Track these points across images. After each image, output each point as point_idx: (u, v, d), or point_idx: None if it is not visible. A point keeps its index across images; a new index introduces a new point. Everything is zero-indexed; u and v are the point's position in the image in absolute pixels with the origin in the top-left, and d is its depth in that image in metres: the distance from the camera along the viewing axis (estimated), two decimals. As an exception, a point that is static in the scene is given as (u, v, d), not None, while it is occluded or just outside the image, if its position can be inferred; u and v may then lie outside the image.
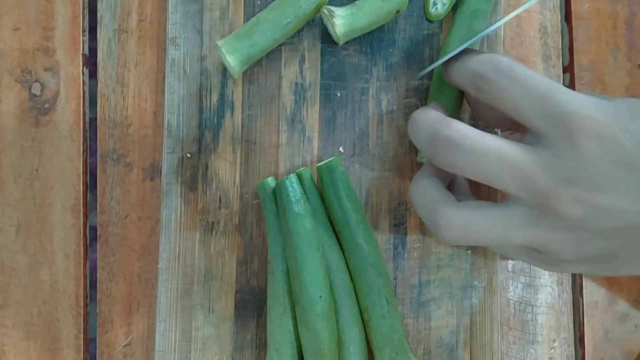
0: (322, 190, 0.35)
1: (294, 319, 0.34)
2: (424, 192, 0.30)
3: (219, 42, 0.34)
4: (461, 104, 0.36)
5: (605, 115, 0.25)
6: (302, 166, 0.36)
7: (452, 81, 0.32)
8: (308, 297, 0.32)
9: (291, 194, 0.33)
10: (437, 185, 0.30)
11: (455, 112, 0.36)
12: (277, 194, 0.34)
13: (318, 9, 0.34)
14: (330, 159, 0.34)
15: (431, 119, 0.29)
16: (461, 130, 0.27)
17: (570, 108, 0.26)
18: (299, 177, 0.34)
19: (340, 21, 0.34)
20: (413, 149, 0.37)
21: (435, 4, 0.37)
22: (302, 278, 0.32)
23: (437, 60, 0.33)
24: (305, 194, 0.34)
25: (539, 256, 0.29)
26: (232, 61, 0.33)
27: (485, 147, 0.27)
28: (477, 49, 0.36)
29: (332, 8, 0.34)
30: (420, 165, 0.37)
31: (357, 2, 0.35)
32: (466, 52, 0.31)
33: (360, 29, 0.35)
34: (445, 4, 0.37)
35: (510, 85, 0.27)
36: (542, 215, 0.26)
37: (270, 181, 0.34)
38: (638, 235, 0.26)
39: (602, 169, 0.25)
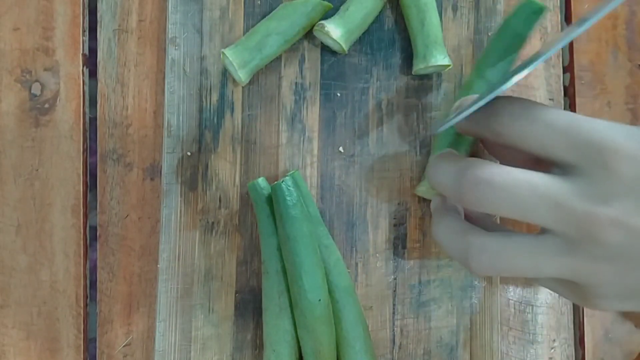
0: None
1: (291, 319, 0.34)
2: (449, 227, 0.29)
3: (229, 54, 0.34)
4: (472, 150, 0.36)
5: (635, 137, 0.25)
6: (303, 166, 0.36)
7: (466, 131, 0.31)
8: (307, 301, 0.32)
9: (288, 198, 0.33)
10: (460, 219, 0.30)
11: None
12: (274, 198, 0.33)
13: (323, 13, 0.35)
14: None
15: (453, 160, 0.28)
16: (488, 167, 0.26)
17: (599, 135, 0.25)
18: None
19: (333, 27, 0.34)
20: (413, 149, 0.37)
21: None
22: (302, 283, 0.32)
23: (461, 111, 0.31)
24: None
25: (578, 290, 0.28)
26: (243, 75, 0.34)
27: (516, 181, 0.26)
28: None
29: (321, 22, 0.35)
30: (417, 197, 0.37)
31: (341, 7, 0.35)
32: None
33: (358, 28, 0.35)
34: None
35: (531, 126, 0.27)
36: (580, 245, 0.25)
37: (262, 182, 0.34)
38: None
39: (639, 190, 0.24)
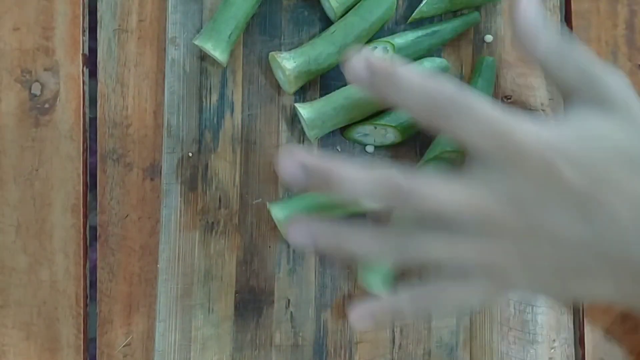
0: None
1: None
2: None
3: (198, 42, 0.34)
4: None
5: (551, 143, 0.26)
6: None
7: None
8: None
9: None
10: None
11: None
12: None
13: None
14: None
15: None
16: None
17: (517, 136, 0.26)
18: None
19: (290, 65, 0.34)
20: (413, 149, 0.37)
21: None
22: None
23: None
24: None
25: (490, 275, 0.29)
26: (220, 55, 0.34)
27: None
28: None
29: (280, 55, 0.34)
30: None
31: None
32: None
33: (314, 72, 0.35)
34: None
35: (461, 116, 0.27)
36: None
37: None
38: (580, 254, 0.27)
39: (542, 196, 0.26)
